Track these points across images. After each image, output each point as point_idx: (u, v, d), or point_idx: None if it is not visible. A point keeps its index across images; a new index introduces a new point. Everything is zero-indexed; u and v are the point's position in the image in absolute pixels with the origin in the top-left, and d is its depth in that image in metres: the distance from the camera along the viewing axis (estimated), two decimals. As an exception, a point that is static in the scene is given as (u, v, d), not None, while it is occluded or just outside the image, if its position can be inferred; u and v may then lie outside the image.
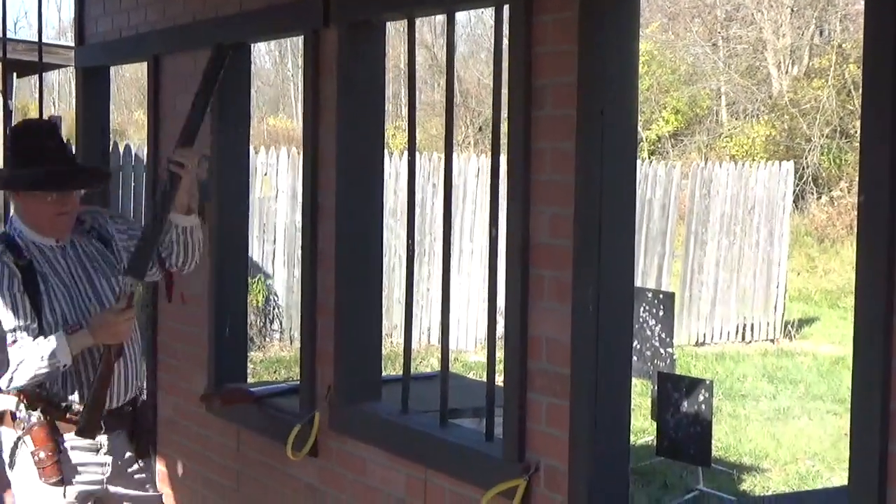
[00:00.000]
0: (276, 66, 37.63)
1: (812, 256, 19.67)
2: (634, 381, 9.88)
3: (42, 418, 3.97)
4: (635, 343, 8.57)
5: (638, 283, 12.69)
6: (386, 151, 10.23)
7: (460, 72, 25.75)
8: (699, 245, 13.87)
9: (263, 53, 36.46)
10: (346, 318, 4.27)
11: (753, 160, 18.92)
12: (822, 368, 12.21)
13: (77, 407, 3.98)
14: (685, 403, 7.03)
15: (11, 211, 4.00)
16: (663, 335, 8.26)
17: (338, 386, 4.27)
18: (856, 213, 2.83)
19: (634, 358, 8.76)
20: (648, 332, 8.27)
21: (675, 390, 7.12)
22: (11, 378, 3.88)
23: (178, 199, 4.05)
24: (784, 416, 10.14)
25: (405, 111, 4.54)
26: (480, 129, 25.85)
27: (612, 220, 3.25)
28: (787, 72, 25.96)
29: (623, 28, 3.28)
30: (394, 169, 12.27)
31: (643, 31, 21.83)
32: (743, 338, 14.00)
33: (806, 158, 23.39)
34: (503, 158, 3.58)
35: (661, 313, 8.26)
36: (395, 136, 23.94)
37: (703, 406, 6.98)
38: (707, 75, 26.41)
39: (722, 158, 20.89)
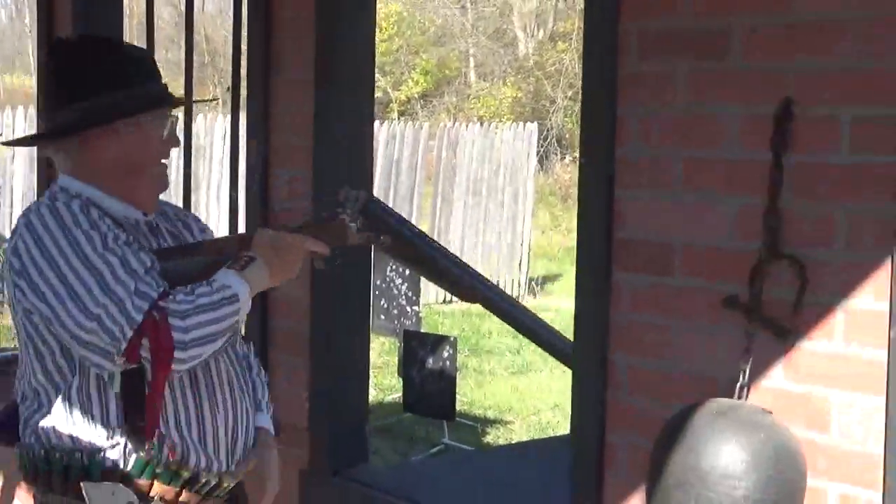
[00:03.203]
0: (13, 21, 36.19)
1: (556, 215, 20.23)
2: (383, 339, 10.03)
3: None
4: (382, 302, 8.70)
5: (387, 242, 12.82)
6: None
7: (208, 30, 25.34)
8: (446, 205, 14.07)
9: None
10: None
11: (501, 121, 19.34)
12: (564, 323, 12.54)
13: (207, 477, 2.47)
14: (430, 360, 7.18)
15: (58, 182, 2.54)
16: (410, 294, 8.41)
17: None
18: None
19: (382, 317, 8.91)
20: (395, 292, 8.40)
21: (420, 347, 7.27)
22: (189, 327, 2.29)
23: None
24: (527, 370, 10.43)
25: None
26: (229, 89, 25.50)
27: (351, 179, 3.31)
28: (532, 35, 26.55)
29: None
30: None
31: (392, -8, 22.04)
32: (489, 295, 14.28)
33: (550, 119, 24.02)
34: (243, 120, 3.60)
35: (407, 273, 8.41)
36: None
37: (448, 362, 7.16)
38: (456, 37, 26.76)
39: (470, 119, 21.26)
